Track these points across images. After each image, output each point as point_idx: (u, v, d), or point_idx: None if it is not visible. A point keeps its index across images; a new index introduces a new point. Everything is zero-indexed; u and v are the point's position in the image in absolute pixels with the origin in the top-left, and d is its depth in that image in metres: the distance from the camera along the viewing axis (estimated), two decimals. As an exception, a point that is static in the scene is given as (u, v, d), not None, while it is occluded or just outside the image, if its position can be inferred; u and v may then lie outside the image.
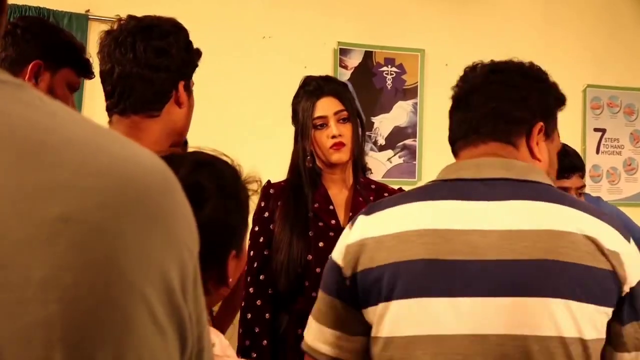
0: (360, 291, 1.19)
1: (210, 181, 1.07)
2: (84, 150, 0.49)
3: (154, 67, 1.44)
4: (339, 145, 2.03)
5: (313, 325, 1.30)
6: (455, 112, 1.28)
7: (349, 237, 1.23)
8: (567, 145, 2.06)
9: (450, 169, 1.23)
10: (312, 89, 2.07)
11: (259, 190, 1.17)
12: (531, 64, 1.31)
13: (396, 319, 1.15)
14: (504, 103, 1.23)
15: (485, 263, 1.10)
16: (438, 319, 1.11)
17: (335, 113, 2.04)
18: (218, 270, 1.08)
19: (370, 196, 2.12)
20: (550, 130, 1.27)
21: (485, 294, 1.09)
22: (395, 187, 2.26)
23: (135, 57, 1.43)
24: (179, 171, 1.03)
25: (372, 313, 1.18)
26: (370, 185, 2.17)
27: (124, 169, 0.50)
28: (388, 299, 1.15)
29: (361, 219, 1.24)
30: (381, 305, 1.16)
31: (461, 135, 1.26)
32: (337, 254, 1.23)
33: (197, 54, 1.53)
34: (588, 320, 1.08)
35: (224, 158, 1.14)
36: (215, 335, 1.05)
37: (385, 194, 2.16)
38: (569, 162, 1.91)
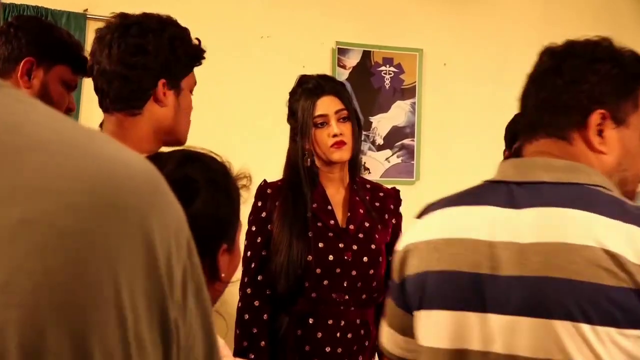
0: (408, 297, 1.17)
1: (198, 174, 1.07)
2: (55, 152, 0.47)
3: (129, 64, 1.43)
4: (340, 144, 2.03)
5: (384, 327, 1.29)
6: (520, 104, 1.19)
7: (399, 243, 1.21)
8: None
9: (499, 169, 1.16)
10: (311, 87, 2.06)
11: (249, 185, 1.17)
12: (605, 42, 1.15)
13: (423, 328, 1.13)
14: (553, 92, 1.12)
15: (502, 279, 1.04)
16: (452, 333, 1.08)
17: (336, 112, 2.04)
18: (209, 263, 1.08)
19: (366, 196, 2.12)
20: (622, 115, 1.11)
21: (498, 311, 1.04)
22: (394, 186, 2.26)
23: (110, 55, 1.44)
24: (166, 166, 1.03)
25: (413, 319, 1.16)
26: (366, 185, 2.17)
27: (101, 170, 0.48)
28: (419, 307, 1.14)
29: (413, 222, 1.21)
30: (416, 313, 1.15)
31: (521, 131, 1.18)
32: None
33: (189, 53, 1.50)
34: (611, 345, 0.96)
35: (212, 155, 1.14)
36: None
37: (381, 194, 2.16)
38: None
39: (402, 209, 2.23)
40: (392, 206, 2.17)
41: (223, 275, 1.10)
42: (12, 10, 2.85)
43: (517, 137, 2.45)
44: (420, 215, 1.20)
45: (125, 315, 0.47)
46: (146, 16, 1.48)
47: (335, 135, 2.02)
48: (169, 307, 0.50)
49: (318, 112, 2.03)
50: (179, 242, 0.52)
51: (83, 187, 0.47)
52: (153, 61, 1.44)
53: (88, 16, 3.03)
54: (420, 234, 1.16)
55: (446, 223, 1.13)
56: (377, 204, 2.13)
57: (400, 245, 1.20)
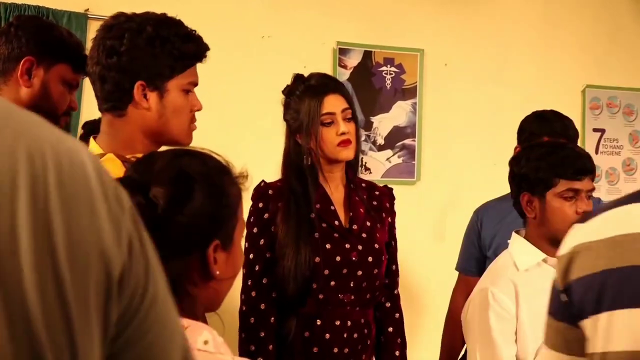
0: (574, 304, 1.10)
1: (192, 168, 1.07)
2: None
3: (106, 66, 1.44)
4: (346, 143, 2.03)
5: (544, 352, 1.21)
6: None
7: (562, 248, 1.15)
8: (579, 147, 2.05)
9: None
10: (315, 84, 2.05)
11: (245, 183, 1.17)
12: None
13: (608, 332, 1.06)
14: None
15: None
16: None
17: (343, 111, 2.04)
18: (200, 259, 1.08)
19: (364, 195, 2.12)
20: None
21: None
22: (394, 187, 2.26)
23: (92, 56, 1.46)
24: (157, 163, 1.03)
25: (586, 327, 1.09)
26: (362, 184, 2.17)
27: (34, 148, 0.51)
28: (598, 310, 1.07)
29: (575, 227, 1.16)
30: (592, 318, 1.08)
31: None
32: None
33: (173, 53, 1.46)
34: None
35: (210, 152, 1.14)
36: (208, 332, 1.05)
37: (376, 193, 2.16)
38: (582, 164, 1.89)
39: (402, 209, 2.23)
40: (387, 204, 2.17)
41: (218, 273, 1.09)
42: (13, 10, 2.85)
43: (533, 134, 2.44)
44: (583, 220, 1.15)
45: (63, 277, 0.51)
46: (132, 16, 1.47)
47: (342, 134, 2.02)
48: (112, 267, 0.54)
49: (325, 110, 2.02)
50: (116, 211, 0.55)
51: (8, 164, 0.50)
52: (128, 63, 1.43)
53: (89, 16, 3.03)
54: (590, 234, 1.10)
55: (624, 220, 1.08)
56: (374, 203, 2.13)
57: (562, 250, 1.14)
